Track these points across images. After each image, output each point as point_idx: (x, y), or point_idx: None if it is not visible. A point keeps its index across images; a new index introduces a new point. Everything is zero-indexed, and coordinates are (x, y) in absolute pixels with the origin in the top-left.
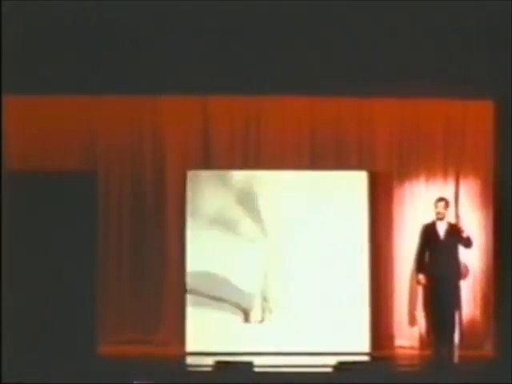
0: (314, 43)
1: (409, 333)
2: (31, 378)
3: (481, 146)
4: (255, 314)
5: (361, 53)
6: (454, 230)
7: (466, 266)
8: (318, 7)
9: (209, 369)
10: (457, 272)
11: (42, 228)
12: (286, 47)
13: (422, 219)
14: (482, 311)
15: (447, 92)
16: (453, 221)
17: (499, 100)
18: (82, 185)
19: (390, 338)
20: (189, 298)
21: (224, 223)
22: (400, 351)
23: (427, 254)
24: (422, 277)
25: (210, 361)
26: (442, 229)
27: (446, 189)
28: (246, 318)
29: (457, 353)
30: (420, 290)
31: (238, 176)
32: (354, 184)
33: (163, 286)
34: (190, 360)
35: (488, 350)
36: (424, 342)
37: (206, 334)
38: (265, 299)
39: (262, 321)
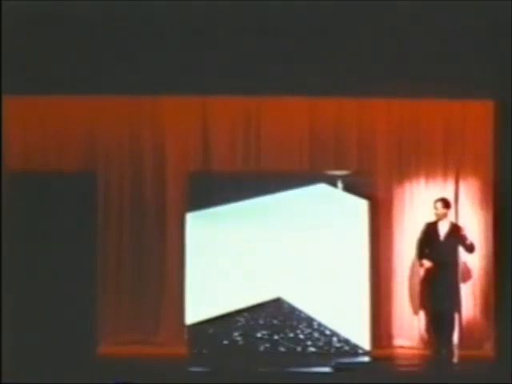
0: (314, 43)
1: (409, 333)
2: (31, 378)
3: (481, 145)
4: None
5: (361, 53)
6: (456, 232)
7: (466, 267)
8: (318, 7)
9: (209, 369)
10: (456, 272)
11: (42, 228)
12: (285, 47)
13: (421, 219)
14: (481, 311)
15: (447, 92)
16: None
17: (499, 100)
18: (82, 185)
19: (390, 337)
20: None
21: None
22: (400, 351)
23: (427, 252)
24: (424, 261)
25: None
26: (443, 229)
27: (446, 189)
28: None
29: (457, 353)
30: (420, 290)
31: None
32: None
33: (163, 287)
34: (189, 360)
35: (488, 350)
36: (424, 342)
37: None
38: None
39: None
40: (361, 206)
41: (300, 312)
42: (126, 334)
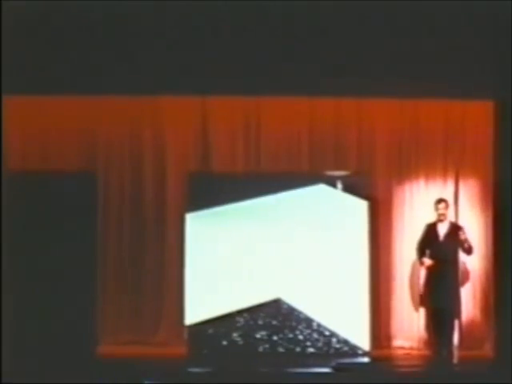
0: (313, 43)
1: (408, 333)
2: (31, 378)
3: (481, 145)
4: None
5: (361, 53)
6: (456, 233)
7: (465, 268)
8: (317, 7)
9: (209, 370)
10: (456, 273)
11: (42, 228)
12: (285, 47)
13: (421, 219)
14: (481, 312)
15: (447, 92)
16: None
17: (499, 100)
18: (82, 185)
19: (390, 338)
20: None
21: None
22: (400, 351)
23: (427, 253)
24: (425, 259)
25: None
26: (442, 230)
27: (446, 189)
28: None
29: (456, 353)
30: (420, 290)
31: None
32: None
33: (163, 287)
34: (189, 360)
35: (488, 350)
36: (424, 343)
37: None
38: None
39: None
40: (360, 206)
41: (299, 312)
42: (125, 334)
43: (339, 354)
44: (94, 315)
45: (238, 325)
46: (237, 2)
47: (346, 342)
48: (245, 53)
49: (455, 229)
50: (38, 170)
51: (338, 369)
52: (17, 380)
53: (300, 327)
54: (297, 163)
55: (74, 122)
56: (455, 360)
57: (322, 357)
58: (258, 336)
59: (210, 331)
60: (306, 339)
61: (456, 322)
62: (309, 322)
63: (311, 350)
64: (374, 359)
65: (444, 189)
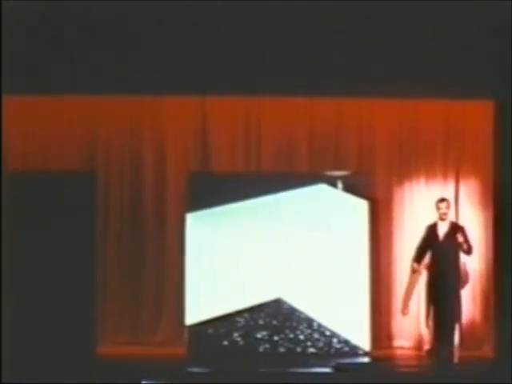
0: (314, 43)
1: (409, 333)
2: (31, 378)
3: (481, 145)
4: None
5: (361, 53)
6: (456, 233)
7: (465, 268)
8: (317, 7)
9: (208, 370)
10: (457, 273)
11: (42, 228)
12: (285, 47)
13: (421, 219)
14: (481, 312)
15: (447, 92)
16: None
17: (499, 100)
18: (82, 185)
19: (390, 338)
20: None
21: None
22: (400, 351)
23: (429, 254)
24: (416, 265)
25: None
26: (442, 230)
27: (446, 189)
28: None
29: (457, 353)
30: (419, 291)
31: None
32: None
33: (163, 287)
34: (189, 361)
35: (488, 350)
36: (424, 343)
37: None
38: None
39: None
40: (360, 206)
41: (300, 313)
42: (125, 334)
43: (340, 354)
44: (94, 315)
45: (239, 325)
46: (237, 2)
47: (346, 342)
48: (245, 53)
49: (455, 228)
50: (37, 170)
51: (338, 369)
52: (17, 380)
53: (301, 327)
54: (297, 163)
55: (74, 122)
56: (455, 360)
57: (322, 357)
58: (258, 336)
59: (210, 331)
60: (306, 339)
61: (456, 322)
62: (309, 321)
63: (312, 350)
64: (375, 359)
65: (444, 189)
